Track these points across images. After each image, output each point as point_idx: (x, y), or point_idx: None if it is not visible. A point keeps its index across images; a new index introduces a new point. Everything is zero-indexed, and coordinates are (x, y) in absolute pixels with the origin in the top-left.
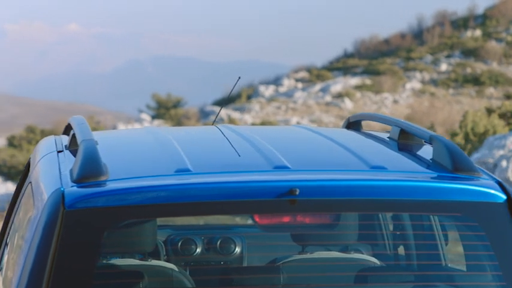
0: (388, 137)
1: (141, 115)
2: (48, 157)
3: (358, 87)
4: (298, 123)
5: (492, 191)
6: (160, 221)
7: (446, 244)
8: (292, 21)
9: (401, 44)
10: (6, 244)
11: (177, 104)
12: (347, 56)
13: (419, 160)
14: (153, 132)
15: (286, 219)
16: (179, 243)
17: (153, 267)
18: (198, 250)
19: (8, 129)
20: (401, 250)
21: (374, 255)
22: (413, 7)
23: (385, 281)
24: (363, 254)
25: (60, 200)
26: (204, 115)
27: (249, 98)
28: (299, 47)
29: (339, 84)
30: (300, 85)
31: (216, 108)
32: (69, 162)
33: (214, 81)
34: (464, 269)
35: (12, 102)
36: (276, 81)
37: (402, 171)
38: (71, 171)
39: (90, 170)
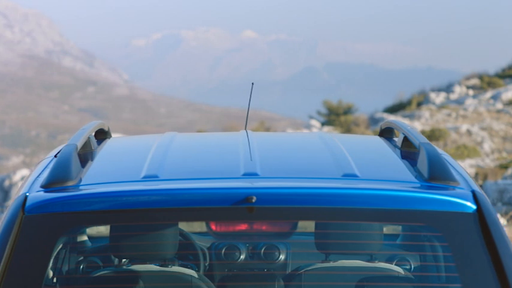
0: (394, 145)
1: (311, 121)
2: (44, 161)
3: None
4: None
5: (460, 201)
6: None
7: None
8: (469, 27)
9: None
10: None
11: (347, 111)
12: None
13: (403, 168)
14: (162, 139)
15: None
16: (223, 250)
17: (169, 273)
18: (242, 257)
19: None
20: (428, 261)
21: (396, 264)
22: None
23: None
24: (386, 263)
25: (21, 204)
26: (373, 122)
27: (419, 104)
28: (475, 53)
29: (510, 91)
30: (471, 92)
31: (386, 115)
32: None
33: (388, 87)
34: (425, 280)
35: (189, 108)
36: (448, 88)
37: (374, 180)
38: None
39: (57, 175)
